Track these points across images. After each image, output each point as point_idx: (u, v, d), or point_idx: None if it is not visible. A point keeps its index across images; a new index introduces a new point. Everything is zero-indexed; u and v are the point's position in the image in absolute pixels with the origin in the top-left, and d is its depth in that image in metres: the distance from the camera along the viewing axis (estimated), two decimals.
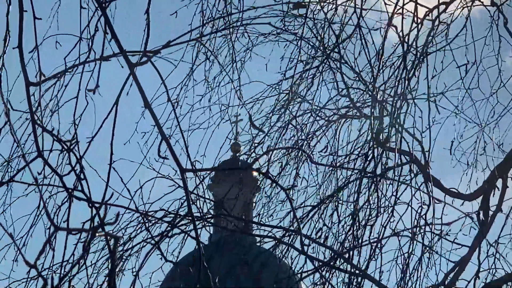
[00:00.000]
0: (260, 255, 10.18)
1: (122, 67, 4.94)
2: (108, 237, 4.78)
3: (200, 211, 8.08)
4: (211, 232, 10.77)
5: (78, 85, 5.35)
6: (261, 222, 9.96)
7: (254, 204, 10.45)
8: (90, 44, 5.25)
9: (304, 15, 8.74)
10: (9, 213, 7.46)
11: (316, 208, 9.15)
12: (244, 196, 10.78)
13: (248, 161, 10.28)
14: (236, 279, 10.48)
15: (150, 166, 8.30)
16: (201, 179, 7.98)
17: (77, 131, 5.15)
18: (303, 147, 9.41)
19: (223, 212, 9.65)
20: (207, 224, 9.14)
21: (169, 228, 8.35)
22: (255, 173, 10.56)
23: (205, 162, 9.25)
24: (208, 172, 8.67)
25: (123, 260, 8.35)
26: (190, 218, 7.68)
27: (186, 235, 8.59)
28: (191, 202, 8.07)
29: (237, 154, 11.18)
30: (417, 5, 7.93)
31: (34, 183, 4.79)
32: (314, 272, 8.83)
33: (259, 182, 10.52)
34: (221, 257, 10.24)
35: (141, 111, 8.11)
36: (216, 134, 9.52)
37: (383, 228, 8.17)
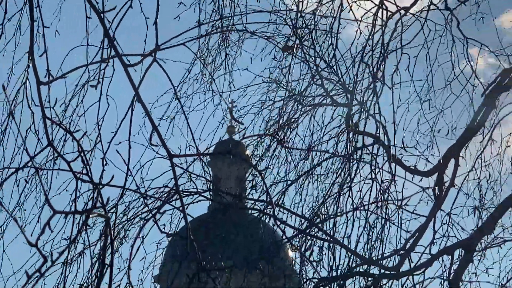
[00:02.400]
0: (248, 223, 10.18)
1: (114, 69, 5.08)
2: (103, 218, 4.86)
3: (195, 187, 8.10)
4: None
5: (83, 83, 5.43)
6: (247, 196, 9.99)
7: (246, 179, 10.36)
8: (90, 53, 5.27)
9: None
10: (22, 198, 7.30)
11: (294, 183, 9.18)
12: (239, 172, 10.84)
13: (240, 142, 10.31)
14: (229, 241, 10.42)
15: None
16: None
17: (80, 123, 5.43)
18: (284, 132, 9.32)
19: (214, 187, 9.58)
20: (201, 199, 9.01)
21: (160, 203, 8.24)
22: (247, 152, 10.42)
23: (206, 141, 9.45)
24: (196, 156, 8.53)
25: (126, 230, 8.32)
26: (177, 194, 7.68)
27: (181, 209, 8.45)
28: (189, 180, 8.19)
29: (232, 136, 11.16)
30: (383, 10, 7.88)
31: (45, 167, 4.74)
32: (293, 237, 8.81)
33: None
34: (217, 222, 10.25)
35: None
36: (213, 120, 9.51)
37: (352, 201, 8.19)
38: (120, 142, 5.06)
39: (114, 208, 6.53)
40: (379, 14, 7.89)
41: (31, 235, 4.96)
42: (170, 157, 5.03)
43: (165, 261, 10.15)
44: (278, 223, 8.31)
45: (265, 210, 9.05)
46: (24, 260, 6.55)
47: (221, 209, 10.15)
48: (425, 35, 8.37)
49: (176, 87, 9.03)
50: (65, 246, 4.94)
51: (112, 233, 4.98)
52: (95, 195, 4.60)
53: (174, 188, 7.68)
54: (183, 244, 7.49)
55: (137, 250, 8.21)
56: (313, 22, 8.61)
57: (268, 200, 9.04)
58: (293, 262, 9.56)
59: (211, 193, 9.59)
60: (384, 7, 7.80)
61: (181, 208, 7.21)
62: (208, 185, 9.04)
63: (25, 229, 6.12)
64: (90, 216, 4.53)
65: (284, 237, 8.92)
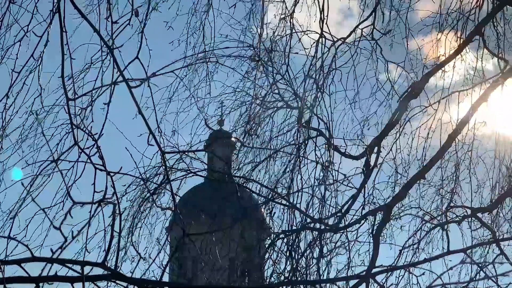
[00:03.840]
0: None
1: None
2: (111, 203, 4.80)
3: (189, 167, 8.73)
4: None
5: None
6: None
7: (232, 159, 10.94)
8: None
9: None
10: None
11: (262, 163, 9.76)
12: (226, 153, 11.23)
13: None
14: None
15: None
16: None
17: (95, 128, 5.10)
18: (252, 127, 9.75)
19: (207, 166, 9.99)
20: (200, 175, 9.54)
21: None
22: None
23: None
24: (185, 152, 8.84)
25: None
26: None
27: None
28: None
29: (221, 126, 11.43)
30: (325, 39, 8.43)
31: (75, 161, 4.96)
32: (264, 203, 9.66)
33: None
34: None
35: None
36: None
37: (301, 177, 8.89)
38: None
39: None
40: (322, 40, 8.43)
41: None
42: (162, 153, 5.59)
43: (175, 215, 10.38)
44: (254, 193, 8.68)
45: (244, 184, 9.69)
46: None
47: (213, 182, 10.75)
48: (355, 58, 8.83)
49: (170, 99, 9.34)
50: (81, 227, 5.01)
51: (119, 211, 4.98)
52: (108, 182, 4.72)
53: (165, 179, 8.08)
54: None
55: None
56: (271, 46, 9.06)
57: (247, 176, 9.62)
58: (265, 219, 10.11)
59: (205, 171, 9.99)
60: (324, 37, 8.37)
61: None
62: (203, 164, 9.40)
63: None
64: (102, 204, 4.63)
65: (259, 202, 9.65)
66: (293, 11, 8.58)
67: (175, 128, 9.07)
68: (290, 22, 8.58)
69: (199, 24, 8.52)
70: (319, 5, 8.20)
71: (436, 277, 7.17)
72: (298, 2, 8.52)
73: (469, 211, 8.73)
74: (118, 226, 4.84)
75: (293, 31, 8.55)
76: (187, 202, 12.25)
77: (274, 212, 9.21)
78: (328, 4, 8.08)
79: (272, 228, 9.62)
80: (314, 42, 8.53)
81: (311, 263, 8.67)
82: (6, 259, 4.78)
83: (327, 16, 8.18)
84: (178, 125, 9.21)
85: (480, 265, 8.07)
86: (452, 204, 9.23)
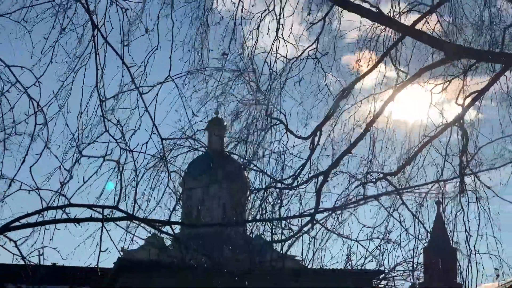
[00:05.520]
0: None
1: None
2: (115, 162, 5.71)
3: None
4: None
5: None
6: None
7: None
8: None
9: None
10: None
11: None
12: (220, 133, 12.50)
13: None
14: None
15: None
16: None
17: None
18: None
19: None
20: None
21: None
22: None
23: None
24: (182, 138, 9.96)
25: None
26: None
27: None
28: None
29: (217, 115, 12.64)
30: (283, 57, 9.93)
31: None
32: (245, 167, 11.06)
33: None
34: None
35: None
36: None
37: (264, 150, 10.38)
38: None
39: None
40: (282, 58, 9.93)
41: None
42: (162, 139, 6.46)
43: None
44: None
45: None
46: None
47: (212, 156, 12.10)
48: (303, 70, 10.18)
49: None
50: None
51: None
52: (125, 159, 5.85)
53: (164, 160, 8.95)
54: None
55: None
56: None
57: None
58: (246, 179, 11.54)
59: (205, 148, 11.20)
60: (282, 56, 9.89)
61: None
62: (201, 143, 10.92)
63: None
64: (106, 159, 5.40)
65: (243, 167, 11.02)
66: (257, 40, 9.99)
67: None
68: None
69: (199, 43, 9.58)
70: (277, 35, 9.80)
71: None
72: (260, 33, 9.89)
73: (381, 175, 10.20)
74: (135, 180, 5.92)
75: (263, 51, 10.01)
76: (191, 167, 13.12)
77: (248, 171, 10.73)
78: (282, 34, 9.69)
79: (250, 185, 11.06)
80: (275, 60, 10.05)
81: (274, 209, 9.97)
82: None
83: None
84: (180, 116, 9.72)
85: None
86: (369, 170, 10.38)
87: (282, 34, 9.68)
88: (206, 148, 11.75)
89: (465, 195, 9.96)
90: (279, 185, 10.02)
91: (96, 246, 5.66)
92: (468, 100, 9.79)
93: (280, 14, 9.50)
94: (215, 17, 9.47)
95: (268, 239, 9.93)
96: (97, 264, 5.75)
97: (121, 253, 11.68)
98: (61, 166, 5.55)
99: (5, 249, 5.16)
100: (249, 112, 10.68)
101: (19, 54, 6.69)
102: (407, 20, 10.12)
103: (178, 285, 14.60)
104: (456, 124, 9.90)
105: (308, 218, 9.26)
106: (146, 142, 6.19)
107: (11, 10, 6.47)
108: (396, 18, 9.89)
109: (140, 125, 6.16)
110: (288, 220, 9.65)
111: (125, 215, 5.63)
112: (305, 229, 9.28)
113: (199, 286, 12.04)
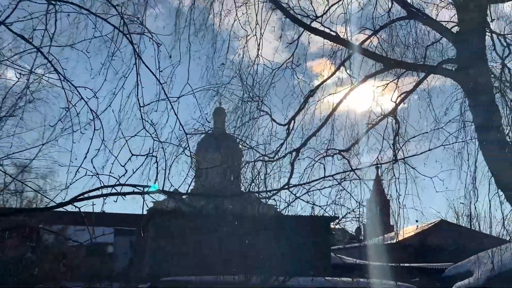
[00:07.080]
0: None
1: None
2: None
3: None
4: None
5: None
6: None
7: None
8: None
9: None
10: None
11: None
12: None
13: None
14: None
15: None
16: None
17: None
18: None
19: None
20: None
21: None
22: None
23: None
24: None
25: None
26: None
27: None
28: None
29: (220, 106, 13.81)
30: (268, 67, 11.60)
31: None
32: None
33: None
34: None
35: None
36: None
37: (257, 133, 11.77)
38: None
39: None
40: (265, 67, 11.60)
41: None
42: (186, 134, 7.16)
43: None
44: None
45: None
46: None
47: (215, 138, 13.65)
48: (282, 77, 11.77)
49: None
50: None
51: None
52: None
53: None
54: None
55: None
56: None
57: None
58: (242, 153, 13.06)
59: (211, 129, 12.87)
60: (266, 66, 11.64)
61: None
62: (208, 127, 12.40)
63: None
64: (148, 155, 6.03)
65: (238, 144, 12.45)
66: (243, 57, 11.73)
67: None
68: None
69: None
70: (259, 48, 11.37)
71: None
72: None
73: (337, 151, 11.82)
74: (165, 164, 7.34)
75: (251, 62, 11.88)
76: (201, 144, 14.44)
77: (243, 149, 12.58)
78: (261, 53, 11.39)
79: (244, 158, 12.75)
80: (262, 70, 11.96)
81: (259, 179, 11.46)
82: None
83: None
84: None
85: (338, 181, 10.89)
86: (329, 148, 11.87)
87: (261, 53, 11.23)
88: (212, 130, 13.46)
89: (397, 164, 11.29)
90: (265, 158, 11.22)
91: None
92: (400, 98, 11.72)
93: (260, 39, 11.02)
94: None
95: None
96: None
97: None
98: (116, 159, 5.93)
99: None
100: (244, 107, 11.93)
101: (77, 74, 7.34)
102: (357, 40, 11.75)
103: (194, 226, 15.72)
104: (391, 115, 11.63)
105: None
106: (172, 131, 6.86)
107: (76, 41, 6.72)
108: (348, 39, 11.56)
109: (168, 119, 6.64)
110: (270, 185, 11.04)
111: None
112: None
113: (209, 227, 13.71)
